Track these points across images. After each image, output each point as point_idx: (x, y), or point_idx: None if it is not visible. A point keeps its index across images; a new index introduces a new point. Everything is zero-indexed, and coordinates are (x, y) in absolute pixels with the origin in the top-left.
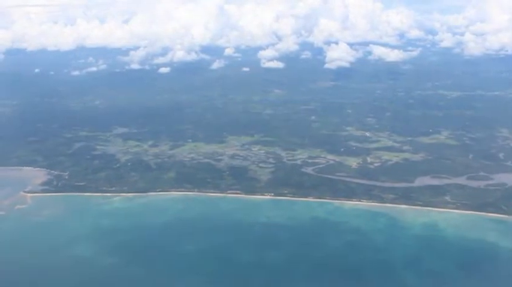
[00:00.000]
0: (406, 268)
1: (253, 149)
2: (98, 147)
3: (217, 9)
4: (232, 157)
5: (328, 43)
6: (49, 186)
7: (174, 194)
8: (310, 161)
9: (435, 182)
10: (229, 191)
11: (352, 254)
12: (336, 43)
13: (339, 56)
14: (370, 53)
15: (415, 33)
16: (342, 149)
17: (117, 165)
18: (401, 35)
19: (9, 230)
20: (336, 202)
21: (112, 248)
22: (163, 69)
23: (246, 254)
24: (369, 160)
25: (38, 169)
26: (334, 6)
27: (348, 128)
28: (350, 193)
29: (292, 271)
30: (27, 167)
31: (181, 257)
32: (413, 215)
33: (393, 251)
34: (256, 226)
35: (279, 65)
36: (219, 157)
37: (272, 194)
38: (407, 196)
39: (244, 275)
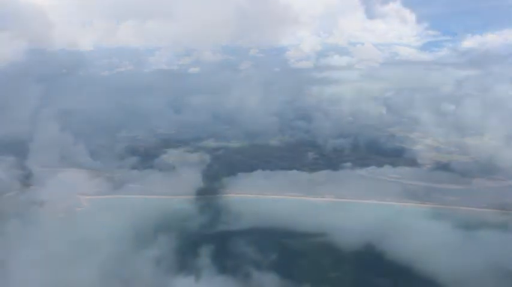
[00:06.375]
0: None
1: None
2: (141, 148)
3: (235, 8)
4: None
5: (353, 44)
6: (103, 188)
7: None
8: (359, 162)
9: (493, 184)
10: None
11: (442, 258)
12: (362, 44)
13: (367, 56)
14: (396, 53)
15: (433, 34)
16: (390, 150)
17: (170, 166)
18: (420, 35)
19: (75, 233)
20: (399, 205)
21: (187, 249)
22: (193, 69)
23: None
24: (419, 161)
25: (87, 169)
26: (350, 7)
27: (390, 129)
28: (411, 194)
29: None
30: (75, 169)
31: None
32: (485, 217)
33: (485, 253)
34: (330, 230)
35: (308, 65)
36: None
37: (332, 196)
38: (470, 198)
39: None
